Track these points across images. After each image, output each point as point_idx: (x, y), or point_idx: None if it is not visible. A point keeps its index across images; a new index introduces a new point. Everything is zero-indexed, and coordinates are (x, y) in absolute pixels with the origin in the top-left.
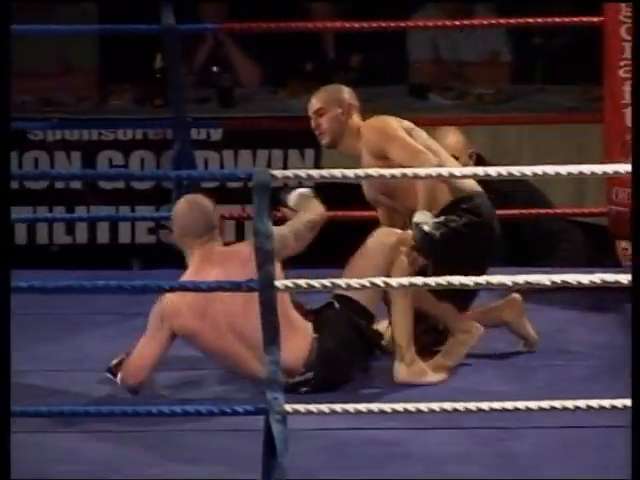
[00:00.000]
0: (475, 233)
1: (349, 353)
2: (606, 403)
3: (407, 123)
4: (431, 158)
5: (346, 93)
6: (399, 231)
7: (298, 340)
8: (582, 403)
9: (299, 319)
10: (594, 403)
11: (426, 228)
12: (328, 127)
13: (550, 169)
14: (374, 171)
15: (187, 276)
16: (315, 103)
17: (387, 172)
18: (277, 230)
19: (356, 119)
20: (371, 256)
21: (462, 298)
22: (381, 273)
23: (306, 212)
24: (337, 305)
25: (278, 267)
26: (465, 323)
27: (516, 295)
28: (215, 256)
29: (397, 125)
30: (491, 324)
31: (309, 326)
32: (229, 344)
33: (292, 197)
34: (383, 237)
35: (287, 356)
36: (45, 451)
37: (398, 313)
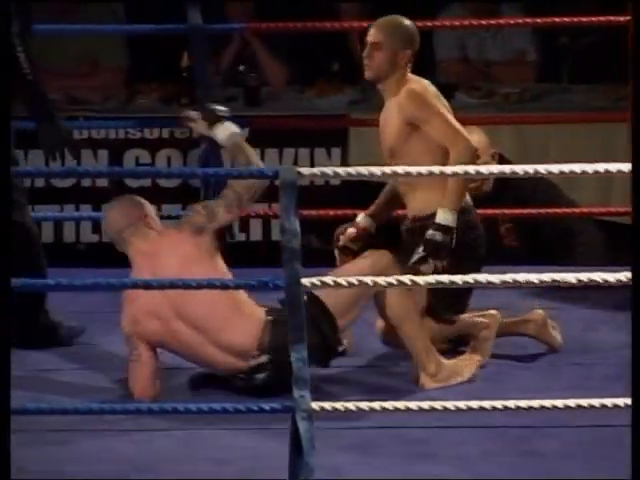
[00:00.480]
0: (479, 247)
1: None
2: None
3: (444, 100)
4: (470, 143)
5: (411, 34)
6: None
7: (248, 322)
8: (608, 401)
9: (249, 302)
10: (620, 401)
11: (438, 238)
12: (378, 64)
13: (576, 167)
14: (401, 169)
15: (134, 273)
16: (376, 34)
17: (413, 169)
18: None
19: (407, 67)
20: (359, 267)
21: (458, 303)
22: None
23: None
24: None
25: (210, 239)
26: (480, 323)
27: (540, 311)
28: (148, 246)
29: (437, 98)
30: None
31: (261, 310)
32: (182, 332)
33: (221, 130)
34: (375, 257)
35: (236, 336)
36: (72, 450)
37: (407, 325)
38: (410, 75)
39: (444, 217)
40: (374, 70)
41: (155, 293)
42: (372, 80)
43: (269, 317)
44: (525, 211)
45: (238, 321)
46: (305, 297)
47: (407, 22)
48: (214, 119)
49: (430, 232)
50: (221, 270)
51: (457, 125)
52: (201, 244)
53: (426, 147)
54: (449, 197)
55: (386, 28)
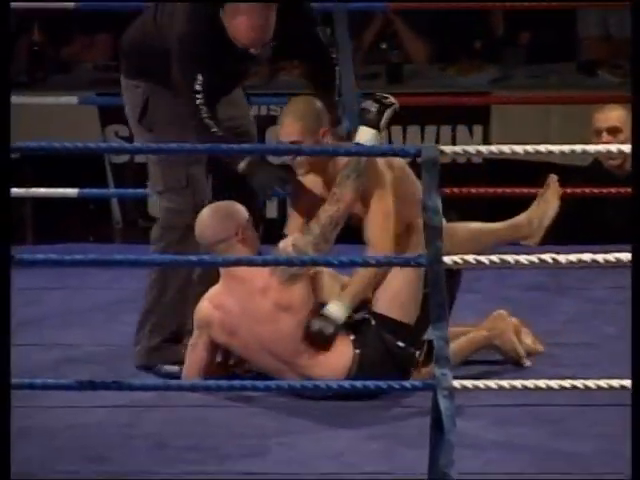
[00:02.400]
0: None
1: (388, 370)
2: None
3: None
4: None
5: (320, 115)
6: None
7: (337, 359)
8: None
9: (339, 335)
10: None
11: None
12: (306, 159)
13: None
14: (544, 147)
15: (222, 291)
16: (290, 132)
17: (556, 148)
18: (292, 243)
19: (329, 142)
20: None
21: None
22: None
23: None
24: (373, 322)
25: (304, 284)
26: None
27: (502, 311)
28: (241, 272)
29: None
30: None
31: (349, 341)
32: (261, 359)
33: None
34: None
35: (324, 373)
36: (167, 421)
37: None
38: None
39: (335, 309)
40: (306, 166)
41: (240, 319)
42: (307, 173)
43: (357, 350)
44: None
45: (327, 359)
46: (370, 317)
47: (310, 102)
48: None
49: (315, 322)
50: (313, 314)
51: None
52: (293, 292)
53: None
54: (350, 290)
55: (297, 124)
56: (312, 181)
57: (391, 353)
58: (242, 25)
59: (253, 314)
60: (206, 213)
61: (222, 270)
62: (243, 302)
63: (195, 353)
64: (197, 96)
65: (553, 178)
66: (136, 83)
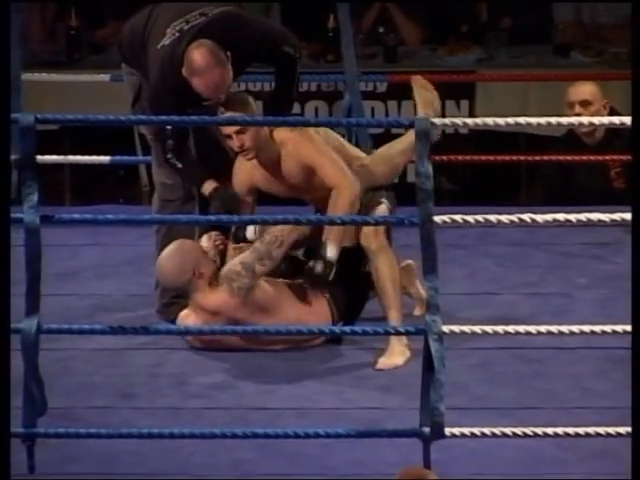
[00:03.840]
0: None
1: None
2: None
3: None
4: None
5: (248, 109)
6: None
7: (319, 317)
8: None
9: (305, 288)
10: None
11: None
12: (252, 144)
13: None
14: (523, 120)
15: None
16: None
17: (533, 120)
18: (238, 260)
19: (269, 129)
20: None
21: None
22: None
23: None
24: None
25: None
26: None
27: (410, 262)
28: (208, 305)
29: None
30: None
31: (321, 297)
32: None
33: (250, 230)
34: None
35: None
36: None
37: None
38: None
39: (330, 251)
40: (253, 150)
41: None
42: (256, 157)
43: (326, 295)
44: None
45: (311, 313)
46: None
47: (244, 95)
48: None
49: (311, 263)
50: (291, 297)
51: (343, 166)
52: (250, 304)
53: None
54: (335, 231)
55: (242, 112)
56: (255, 165)
57: (355, 276)
58: (197, 84)
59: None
60: (163, 260)
61: (194, 309)
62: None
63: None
64: (167, 133)
65: (415, 79)
66: (131, 70)
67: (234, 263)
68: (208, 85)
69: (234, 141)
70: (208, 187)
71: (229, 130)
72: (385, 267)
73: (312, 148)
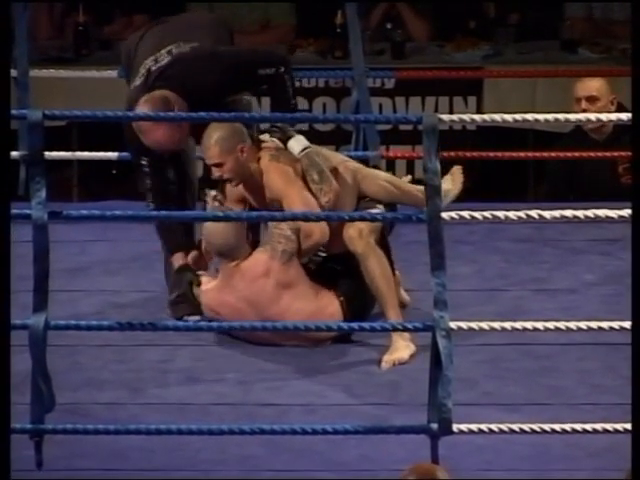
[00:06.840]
0: None
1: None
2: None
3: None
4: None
5: (234, 136)
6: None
7: (329, 308)
8: None
9: (322, 287)
10: None
11: None
12: (231, 175)
13: None
14: (531, 116)
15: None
16: (211, 156)
17: (541, 117)
18: (286, 225)
19: (251, 156)
20: None
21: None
22: None
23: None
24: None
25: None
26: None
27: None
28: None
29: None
30: None
31: (332, 296)
32: (269, 336)
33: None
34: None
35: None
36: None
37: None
38: (262, 154)
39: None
40: (236, 179)
41: (245, 313)
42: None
43: (340, 298)
44: None
45: (323, 311)
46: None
47: (224, 127)
48: (285, 136)
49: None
50: (311, 289)
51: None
52: (291, 271)
53: None
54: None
55: (215, 149)
56: (241, 191)
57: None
58: (143, 140)
59: (257, 300)
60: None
61: (221, 269)
62: (245, 293)
63: None
64: (144, 169)
65: (458, 169)
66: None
67: (282, 227)
68: (151, 144)
69: (214, 172)
70: (177, 259)
71: (208, 162)
72: (375, 267)
73: (281, 180)
